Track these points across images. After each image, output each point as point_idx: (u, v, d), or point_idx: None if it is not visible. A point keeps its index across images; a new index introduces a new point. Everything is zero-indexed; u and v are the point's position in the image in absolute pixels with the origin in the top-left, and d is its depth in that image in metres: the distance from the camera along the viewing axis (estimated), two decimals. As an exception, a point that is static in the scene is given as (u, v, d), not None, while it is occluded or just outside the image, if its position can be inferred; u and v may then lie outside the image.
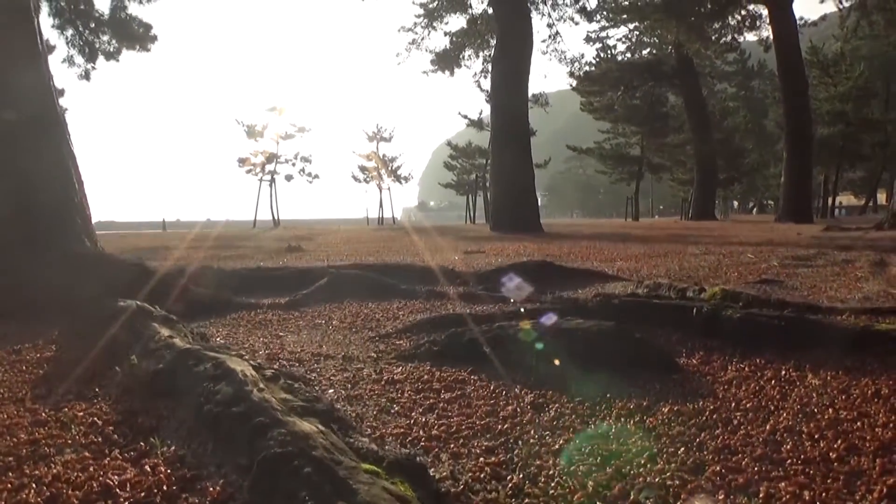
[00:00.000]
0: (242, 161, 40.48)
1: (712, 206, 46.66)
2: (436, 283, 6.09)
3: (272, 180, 41.42)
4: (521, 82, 24.22)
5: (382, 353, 3.13)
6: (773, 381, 2.62)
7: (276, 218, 40.67)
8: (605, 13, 42.12)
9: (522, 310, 3.65)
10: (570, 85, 47.14)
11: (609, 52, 49.16)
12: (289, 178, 41.97)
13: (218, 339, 3.55)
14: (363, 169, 46.59)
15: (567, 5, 36.13)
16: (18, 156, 5.67)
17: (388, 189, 47.56)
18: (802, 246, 11.23)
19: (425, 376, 2.68)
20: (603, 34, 47.69)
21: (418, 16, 34.68)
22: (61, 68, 32.64)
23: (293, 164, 42.23)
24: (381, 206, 47.58)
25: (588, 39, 47.79)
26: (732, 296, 4.00)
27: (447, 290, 5.50)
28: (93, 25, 32.37)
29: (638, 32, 48.48)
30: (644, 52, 51.15)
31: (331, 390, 2.63)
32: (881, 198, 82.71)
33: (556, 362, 2.73)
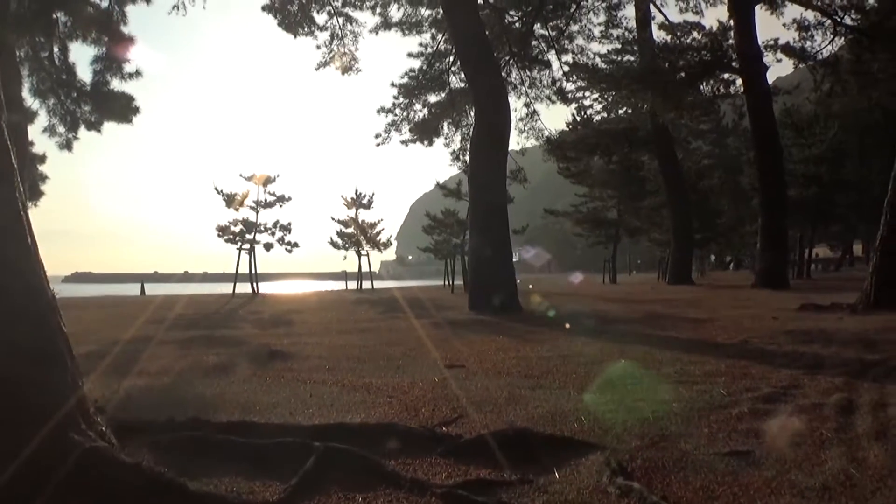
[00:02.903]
0: (221, 230, 40.75)
1: (689, 270, 47.36)
2: (418, 456, 6.29)
3: (251, 249, 41.76)
4: (500, 163, 24.63)
5: None
6: None
7: (255, 287, 41.02)
8: (580, 78, 43.02)
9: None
10: (547, 151, 47.75)
11: (585, 112, 50.05)
12: (268, 247, 42.29)
13: None
14: (341, 234, 46.93)
15: (545, 87, 37.13)
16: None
17: (367, 255, 47.90)
18: (776, 362, 11.51)
19: None
20: (579, 94, 48.67)
21: (396, 97, 35.37)
22: (42, 138, 33.14)
23: (272, 234, 42.81)
24: (359, 271, 47.90)
25: (564, 99, 48.71)
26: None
27: (429, 479, 5.70)
28: (74, 95, 32.83)
29: (614, 93, 49.58)
30: (620, 111, 52.09)
31: None
32: (857, 249, 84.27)
33: None
